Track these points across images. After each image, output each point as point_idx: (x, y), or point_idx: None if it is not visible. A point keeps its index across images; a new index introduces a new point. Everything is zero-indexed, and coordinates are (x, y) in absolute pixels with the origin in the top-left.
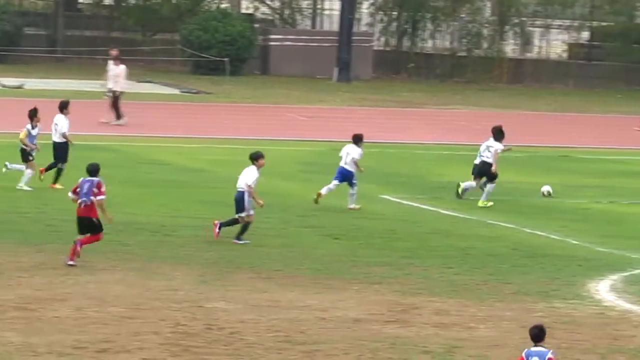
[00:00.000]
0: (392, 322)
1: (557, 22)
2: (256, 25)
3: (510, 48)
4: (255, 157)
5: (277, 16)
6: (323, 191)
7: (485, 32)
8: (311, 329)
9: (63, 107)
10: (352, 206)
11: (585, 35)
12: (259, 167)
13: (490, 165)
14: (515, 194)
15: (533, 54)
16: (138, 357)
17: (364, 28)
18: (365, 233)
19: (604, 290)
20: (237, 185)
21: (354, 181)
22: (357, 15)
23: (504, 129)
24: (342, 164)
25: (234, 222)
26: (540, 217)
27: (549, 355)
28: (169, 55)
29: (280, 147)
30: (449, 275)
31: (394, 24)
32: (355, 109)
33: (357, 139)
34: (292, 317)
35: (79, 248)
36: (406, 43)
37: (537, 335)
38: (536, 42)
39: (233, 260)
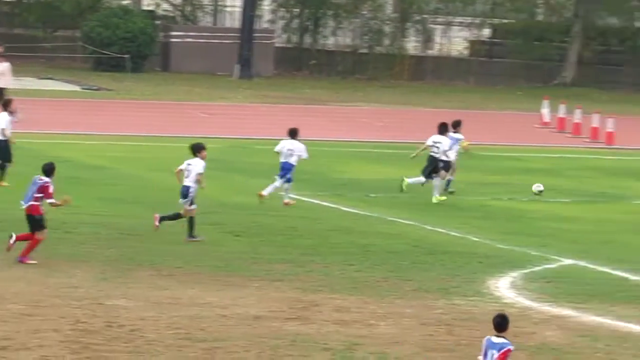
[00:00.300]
0: (292, 319)
1: (459, 19)
2: (157, 22)
3: (412, 45)
4: (198, 149)
5: (178, 13)
6: (265, 192)
7: (386, 29)
8: (212, 326)
9: (5, 105)
10: (287, 201)
11: (487, 32)
12: (202, 159)
13: (439, 161)
14: (415, 190)
15: (434, 51)
16: (38, 354)
17: (265, 25)
18: (266, 230)
19: (504, 287)
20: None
21: (289, 176)
22: (258, 12)
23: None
24: (282, 159)
25: (176, 216)
26: (441, 214)
27: (507, 348)
28: (70, 52)
29: (182, 144)
30: (349, 272)
31: (296, 20)
32: (256, 106)
33: (294, 133)
34: (192, 315)
35: (11, 241)
36: (308, 40)
37: (500, 324)
38: (437, 39)
39: (134, 257)
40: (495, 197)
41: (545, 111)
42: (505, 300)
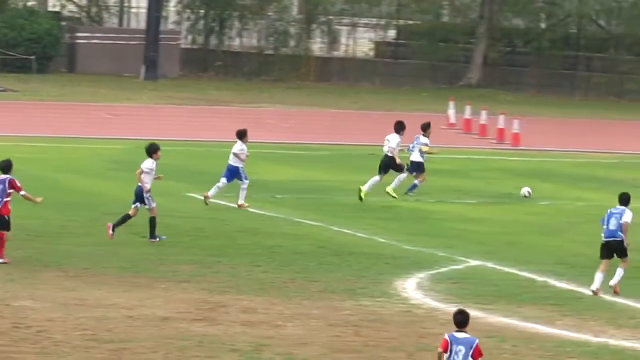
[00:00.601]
0: (199, 321)
1: (364, 20)
2: (63, 23)
3: (317, 46)
4: (153, 150)
5: (84, 14)
6: (240, 203)
7: (292, 30)
8: (118, 327)
9: None
10: (242, 202)
11: (392, 33)
12: (156, 159)
13: (393, 158)
14: (322, 191)
15: (340, 52)
16: None
17: (171, 26)
18: (173, 231)
19: (411, 288)
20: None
21: (236, 175)
22: (164, 13)
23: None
24: (229, 161)
25: (126, 218)
26: (347, 215)
27: (477, 342)
28: None
29: (87, 145)
30: (256, 274)
31: (201, 22)
32: (162, 107)
33: (242, 134)
34: (99, 316)
35: None
36: (213, 41)
37: (462, 321)
38: (343, 40)
39: (40, 258)
40: (403, 198)
41: (451, 112)
42: (412, 301)
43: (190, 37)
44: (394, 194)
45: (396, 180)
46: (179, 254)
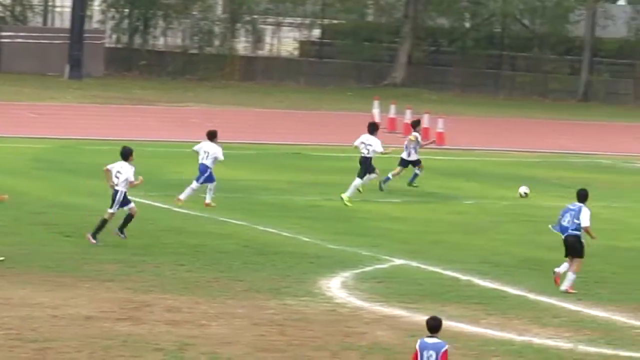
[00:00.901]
0: (124, 320)
1: (289, 19)
2: None
3: (242, 46)
4: (129, 154)
5: (8, 13)
6: (207, 202)
7: (216, 29)
8: (43, 327)
9: None
10: (209, 201)
11: (317, 33)
12: (130, 162)
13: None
14: (247, 191)
15: (265, 51)
16: None
17: (95, 25)
18: None
19: (335, 287)
20: (115, 183)
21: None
22: (88, 12)
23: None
24: (201, 161)
25: (128, 219)
26: (271, 214)
27: (445, 348)
28: None
29: (10, 145)
30: (180, 273)
31: (126, 21)
32: (86, 106)
33: (212, 135)
34: (23, 315)
35: None
36: (138, 40)
37: (434, 326)
38: (268, 39)
39: None
40: (327, 197)
41: (376, 111)
42: (336, 301)
43: (114, 37)
44: (349, 203)
45: (352, 187)
46: (103, 253)
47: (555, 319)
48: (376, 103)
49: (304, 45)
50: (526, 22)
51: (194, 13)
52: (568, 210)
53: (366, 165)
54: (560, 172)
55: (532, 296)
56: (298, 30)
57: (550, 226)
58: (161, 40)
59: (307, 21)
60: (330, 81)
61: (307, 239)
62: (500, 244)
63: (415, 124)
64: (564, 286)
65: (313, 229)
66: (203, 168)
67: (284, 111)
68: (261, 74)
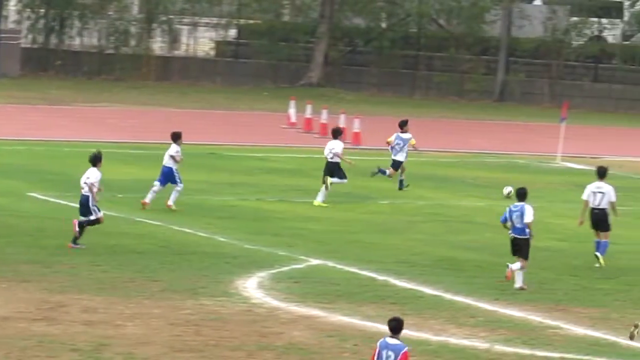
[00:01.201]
0: (39, 320)
1: (205, 19)
2: None
3: (158, 46)
4: (98, 159)
5: None
6: (169, 203)
7: (133, 29)
8: None
9: None
10: (171, 203)
11: (233, 33)
12: (99, 168)
13: (337, 164)
14: (163, 191)
15: (181, 51)
16: None
17: (11, 25)
18: (13, 231)
19: (251, 287)
20: (82, 188)
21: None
22: (4, 12)
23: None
24: (164, 163)
25: (95, 222)
26: (187, 214)
27: (405, 350)
28: None
29: None
30: (97, 273)
31: (42, 21)
32: (2, 106)
33: (177, 137)
34: None
35: None
36: (54, 40)
37: (396, 327)
38: (184, 39)
39: None
40: (242, 197)
41: (292, 111)
42: (253, 301)
43: (30, 37)
44: (325, 204)
45: (321, 193)
46: (19, 254)
47: (471, 318)
48: (292, 103)
49: (220, 45)
50: (442, 22)
51: (110, 13)
52: (511, 212)
53: (334, 170)
54: (476, 172)
55: (448, 296)
56: (214, 30)
57: (510, 233)
58: (77, 40)
59: (223, 21)
60: (247, 81)
61: (223, 239)
62: (416, 243)
63: (403, 124)
64: (516, 286)
65: (229, 229)
66: (167, 169)
67: (200, 111)
68: (177, 74)
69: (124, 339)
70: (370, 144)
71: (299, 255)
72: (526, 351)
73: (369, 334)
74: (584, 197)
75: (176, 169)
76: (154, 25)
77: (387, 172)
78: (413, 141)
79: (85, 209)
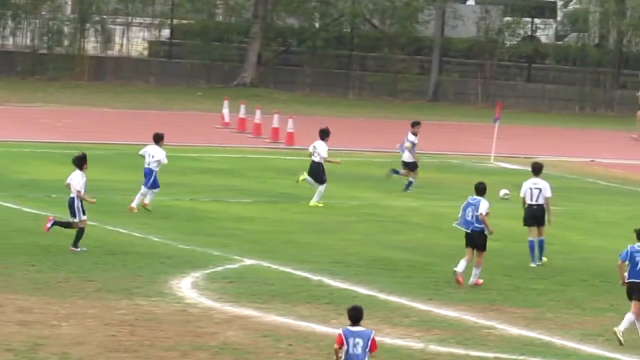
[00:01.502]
0: None
1: (138, 19)
2: None
3: (92, 46)
4: (82, 162)
5: None
6: (146, 202)
7: (66, 29)
8: None
9: None
10: (146, 203)
11: (166, 33)
12: (84, 171)
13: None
14: (97, 191)
15: (114, 51)
16: None
17: None
18: None
19: (186, 287)
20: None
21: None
22: None
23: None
24: (146, 165)
25: (67, 224)
26: (121, 214)
27: (373, 334)
28: None
29: None
30: (31, 273)
31: None
32: None
33: (158, 138)
34: None
35: None
36: None
37: (356, 316)
38: (117, 39)
39: None
40: (176, 197)
41: (226, 112)
42: (187, 301)
43: None
44: (320, 204)
45: (317, 194)
46: None
47: (405, 318)
48: (226, 103)
49: (153, 45)
50: (376, 22)
51: (43, 13)
52: (469, 204)
53: (318, 171)
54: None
55: (382, 296)
56: (147, 30)
57: (454, 224)
58: (10, 40)
59: (157, 21)
60: (180, 81)
61: (157, 239)
62: (351, 243)
63: (414, 124)
64: (472, 281)
65: (163, 229)
66: (148, 171)
67: (133, 111)
68: (111, 74)
69: (59, 339)
70: (304, 143)
71: (233, 255)
72: (460, 351)
73: (303, 334)
74: (522, 194)
75: (157, 172)
76: (87, 25)
77: (401, 172)
78: (408, 144)
79: (72, 210)
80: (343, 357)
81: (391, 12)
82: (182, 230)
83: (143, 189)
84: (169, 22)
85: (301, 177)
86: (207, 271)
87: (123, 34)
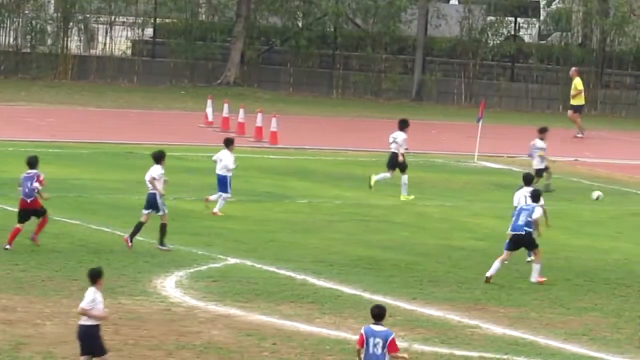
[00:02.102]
0: None
1: (122, 18)
2: None
3: (75, 44)
4: (161, 157)
5: None
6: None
7: (49, 28)
8: None
9: None
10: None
11: (150, 32)
12: (163, 166)
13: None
14: (81, 190)
15: (98, 50)
16: None
17: None
18: None
19: (170, 286)
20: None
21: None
22: None
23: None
24: (217, 171)
25: (137, 230)
26: (105, 213)
27: (393, 336)
28: None
29: None
30: (15, 272)
31: None
32: None
33: (228, 143)
34: None
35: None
36: None
37: (378, 314)
38: (100, 38)
39: None
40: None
41: (209, 110)
42: (171, 300)
43: None
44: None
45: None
46: None
47: (389, 317)
48: (209, 102)
49: (137, 44)
50: (359, 21)
51: (26, 12)
52: (522, 210)
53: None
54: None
55: (366, 295)
56: (131, 29)
57: (508, 232)
58: None
59: (140, 20)
60: (164, 80)
61: (141, 238)
62: (334, 243)
63: (542, 131)
64: (533, 278)
65: (147, 228)
66: (218, 177)
67: (117, 110)
68: (94, 73)
69: (43, 338)
70: (287, 143)
71: (217, 254)
72: (445, 350)
73: (288, 333)
74: (515, 203)
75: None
76: (70, 24)
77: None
78: (541, 152)
79: (151, 205)
80: (363, 357)
81: (374, 11)
82: (167, 229)
83: (225, 195)
84: (152, 21)
85: (373, 181)
86: (191, 270)
87: (106, 33)
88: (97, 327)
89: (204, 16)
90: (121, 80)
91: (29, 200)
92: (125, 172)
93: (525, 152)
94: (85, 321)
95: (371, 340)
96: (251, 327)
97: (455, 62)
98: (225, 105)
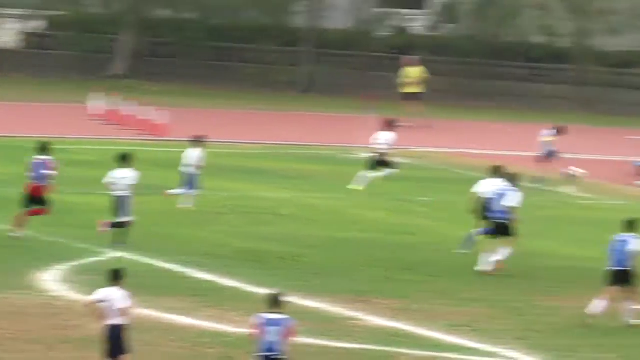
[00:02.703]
0: None
1: (11, 11)
2: None
3: None
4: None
5: None
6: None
7: None
8: None
9: None
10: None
11: (40, 24)
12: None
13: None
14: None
15: None
16: None
17: None
18: None
19: (51, 280)
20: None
21: None
22: None
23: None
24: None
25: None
26: None
27: (292, 323)
28: None
29: None
30: None
31: None
32: None
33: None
34: None
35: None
36: None
37: (275, 301)
38: None
39: None
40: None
41: (97, 103)
42: (52, 293)
43: None
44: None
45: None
46: None
47: None
48: (95, 95)
49: (27, 36)
50: (250, 13)
51: None
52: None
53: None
54: (284, 164)
55: (248, 288)
56: (21, 21)
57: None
58: None
59: (30, 12)
60: (54, 73)
61: (23, 232)
62: (220, 236)
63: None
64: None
65: (31, 221)
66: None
67: (8, 103)
68: None
69: None
70: (177, 135)
71: (98, 248)
72: (326, 342)
73: (167, 326)
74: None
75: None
76: None
77: None
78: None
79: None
80: (259, 344)
81: (265, 3)
82: (48, 223)
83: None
84: (42, 13)
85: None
86: (73, 264)
87: None
88: None
89: (94, 8)
90: (13, 73)
91: (40, 185)
92: (9, 164)
93: (410, 143)
94: None
95: (267, 329)
96: (132, 321)
97: (345, 54)
98: (114, 98)
